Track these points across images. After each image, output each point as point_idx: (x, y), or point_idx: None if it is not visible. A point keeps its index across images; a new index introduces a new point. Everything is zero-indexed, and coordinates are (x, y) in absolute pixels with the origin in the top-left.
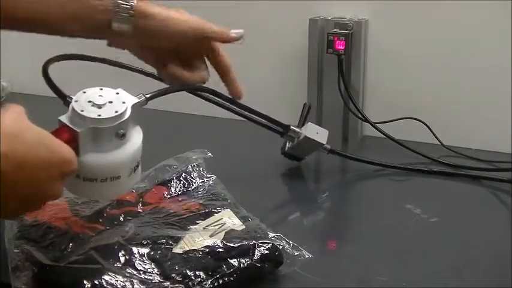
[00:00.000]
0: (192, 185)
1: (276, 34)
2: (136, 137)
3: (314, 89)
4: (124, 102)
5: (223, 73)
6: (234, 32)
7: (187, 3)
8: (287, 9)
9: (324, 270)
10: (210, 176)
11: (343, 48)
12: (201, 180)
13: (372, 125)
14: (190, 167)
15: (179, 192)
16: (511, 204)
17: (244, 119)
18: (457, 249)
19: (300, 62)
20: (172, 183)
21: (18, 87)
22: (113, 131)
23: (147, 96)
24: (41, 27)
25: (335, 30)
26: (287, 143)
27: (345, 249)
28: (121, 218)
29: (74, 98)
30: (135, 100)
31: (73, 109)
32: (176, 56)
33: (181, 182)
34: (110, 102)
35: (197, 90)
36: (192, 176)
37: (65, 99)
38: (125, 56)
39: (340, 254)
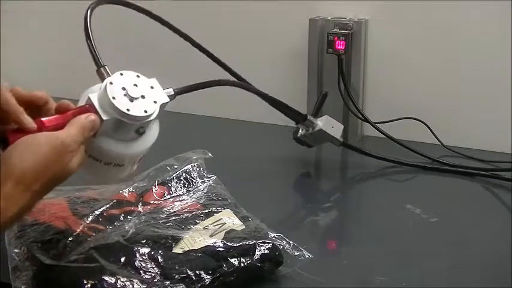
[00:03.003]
0: (192, 185)
1: (276, 34)
2: (152, 133)
3: (314, 89)
4: (155, 102)
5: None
6: None
7: (188, 4)
8: (287, 9)
9: (324, 270)
10: (210, 176)
11: (343, 48)
12: (201, 180)
13: (372, 125)
14: (190, 167)
15: (179, 192)
16: (511, 204)
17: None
18: (457, 249)
19: (300, 62)
20: (172, 183)
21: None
22: (135, 127)
23: (176, 91)
24: None
25: (335, 30)
26: (300, 130)
27: (345, 249)
28: (121, 218)
29: (110, 78)
30: (166, 99)
31: (105, 92)
32: None
33: (182, 182)
34: (143, 97)
35: (228, 85)
36: (192, 176)
37: (99, 68)
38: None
39: (340, 254)
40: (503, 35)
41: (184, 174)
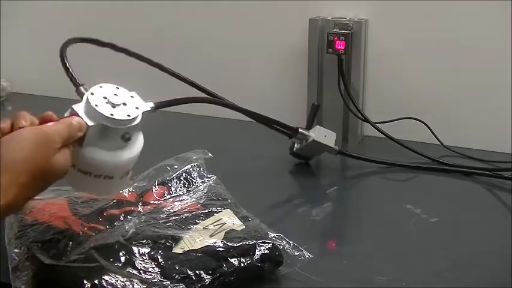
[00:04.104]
0: (192, 185)
1: (276, 34)
2: (138, 143)
3: (314, 89)
4: (137, 108)
5: None
6: None
7: (187, 4)
8: (287, 9)
9: (324, 270)
10: (210, 176)
11: (343, 48)
12: (201, 180)
13: (372, 125)
14: (190, 167)
15: (179, 192)
16: (511, 204)
17: (250, 120)
18: (457, 249)
19: (300, 62)
20: (172, 183)
21: (18, 87)
22: (120, 133)
23: (157, 104)
24: None
25: (335, 30)
26: (295, 144)
27: (345, 249)
28: (121, 218)
29: (90, 90)
30: (147, 108)
31: (88, 101)
32: None
33: (182, 182)
34: (124, 104)
35: (209, 102)
36: (192, 176)
37: (78, 87)
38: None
39: (340, 254)
40: (503, 35)
41: (184, 174)
